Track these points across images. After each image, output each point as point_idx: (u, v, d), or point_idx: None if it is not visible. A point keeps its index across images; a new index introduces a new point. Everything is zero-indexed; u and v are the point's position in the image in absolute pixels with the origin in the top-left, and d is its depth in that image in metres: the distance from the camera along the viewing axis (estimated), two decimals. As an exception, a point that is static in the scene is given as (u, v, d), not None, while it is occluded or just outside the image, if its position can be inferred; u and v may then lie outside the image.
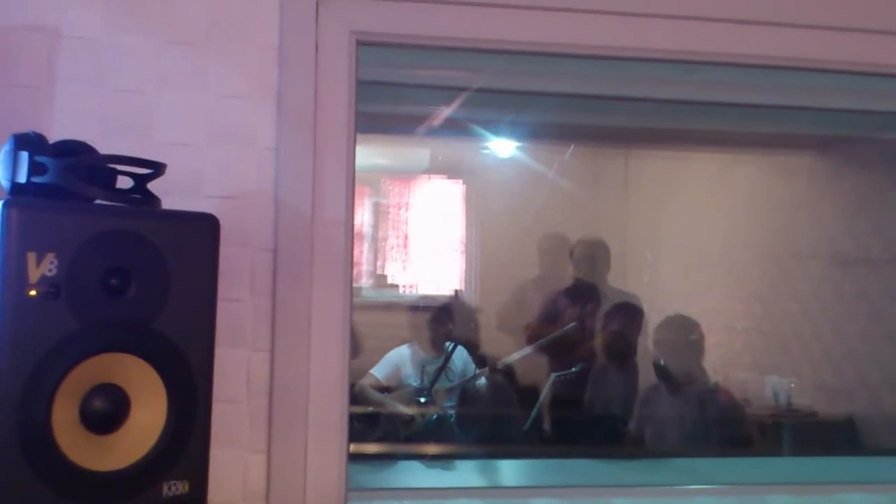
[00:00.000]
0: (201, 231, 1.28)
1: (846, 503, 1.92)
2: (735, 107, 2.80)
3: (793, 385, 4.38)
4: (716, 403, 3.87)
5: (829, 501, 1.92)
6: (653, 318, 3.98)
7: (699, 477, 2.24)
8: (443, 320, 4.06)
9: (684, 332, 4.02)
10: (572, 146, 5.12)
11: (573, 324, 4.03)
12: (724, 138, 4.49)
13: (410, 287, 5.72)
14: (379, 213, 5.69)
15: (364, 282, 5.65)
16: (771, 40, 1.87)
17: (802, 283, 4.54)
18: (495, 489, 2.08)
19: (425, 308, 4.24)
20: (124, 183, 1.35)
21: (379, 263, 5.69)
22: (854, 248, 4.24)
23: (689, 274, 5.24)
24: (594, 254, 4.30)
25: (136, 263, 1.22)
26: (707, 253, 5.17)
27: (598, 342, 3.97)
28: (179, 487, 1.25)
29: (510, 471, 2.46)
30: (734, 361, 4.80)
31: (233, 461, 1.62)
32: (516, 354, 4.08)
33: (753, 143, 4.60)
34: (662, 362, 3.96)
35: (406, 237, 5.73)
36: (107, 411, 1.20)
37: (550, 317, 4.13)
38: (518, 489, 2.02)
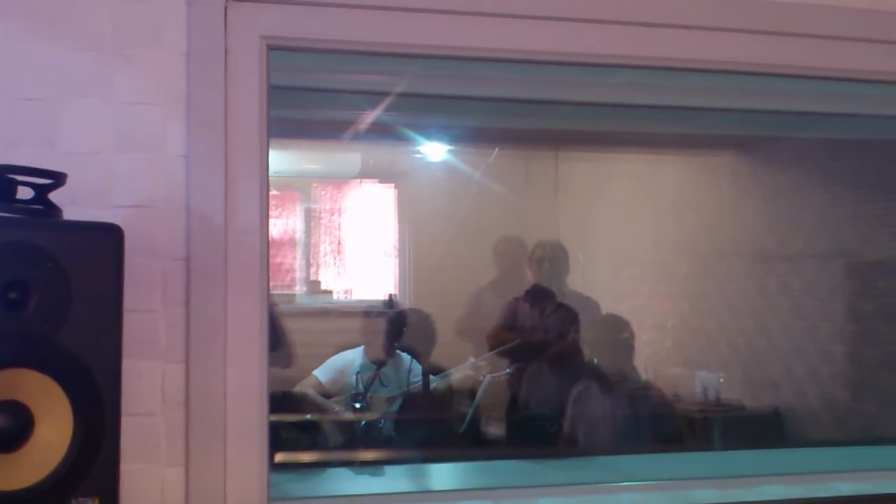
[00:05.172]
0: (104, 241, 1.25)
1: (769, 495, 1.95)
2: (652, 108, 2.85)
3: (721, 380, 4.46)
4: (647, 400, 3.93)
5: (753, 494, 1.96)
6: (585, 318, 4.03)
7: (625, 474, 2.27)
8: (387, 326, 4.02)
9: (615, 331, 4.08)
10: (496, 150, 5.15)
11: (517, 341, 4.02)
12: (649, 139, 4.56)
13: (345, 293, 5.70)
14: (311, 218, 5.66)
15: (298, 289, 5.61)
16: (685, 43, 1.90)
17: (727, 280, 4.64)
18: (420, 493, 2.07)
19: (376, 314, 4.19)
20: (25, 194, 1.31)
21: (312, 270, 5.65)
22: (775, 244, 4.35)
23: (620, 273, 5.32)
24: (553, 256, 4.28)
25: (35, 276, 1.20)
26: (636, 252, 5.26)
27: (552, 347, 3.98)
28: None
29: (440, 475, 2.46)
30: (664, 358, 4.89)
31: (149, 475, 1.59)
32: (454, 370, 4.06)
33: (677, 143, 4.69)
34: (595, 361, 4.01)
35: (339, 243, 5.70)
36: (9, 429, 1.18)
37: (510, 323, 4.11)
38: (442, 493, 2.02)
